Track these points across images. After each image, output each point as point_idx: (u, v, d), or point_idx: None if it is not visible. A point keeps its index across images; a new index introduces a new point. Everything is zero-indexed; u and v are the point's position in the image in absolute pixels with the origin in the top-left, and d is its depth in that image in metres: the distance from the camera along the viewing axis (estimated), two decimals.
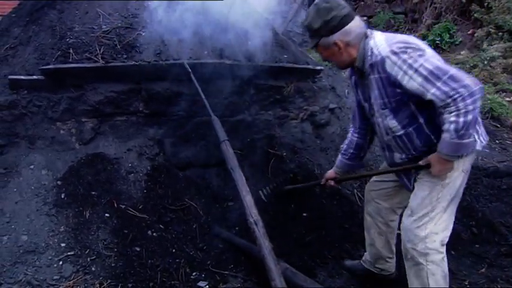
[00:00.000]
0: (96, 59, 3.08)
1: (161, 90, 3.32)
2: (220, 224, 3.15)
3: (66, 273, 2.61)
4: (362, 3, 8.74)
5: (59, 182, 3.01)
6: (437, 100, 1.84)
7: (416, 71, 1.86)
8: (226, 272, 2.81)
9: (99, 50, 3.13)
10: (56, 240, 2.75)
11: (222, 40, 3.42)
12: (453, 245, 3.29)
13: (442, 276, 2.13)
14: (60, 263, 2.65)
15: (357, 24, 2.06)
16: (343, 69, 2.37)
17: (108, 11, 3.40)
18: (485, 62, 5.86)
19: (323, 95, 3.96)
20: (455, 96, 1.78)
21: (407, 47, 1.92)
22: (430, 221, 2.08)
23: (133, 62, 3.13)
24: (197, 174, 3.48)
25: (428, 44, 6.94)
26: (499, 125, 4.52)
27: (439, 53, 7.18)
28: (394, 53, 1.91)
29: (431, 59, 1.90)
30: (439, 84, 1.81)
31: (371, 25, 8.41)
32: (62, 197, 2.94)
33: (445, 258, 2.17)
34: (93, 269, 2.68)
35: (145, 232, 2.94)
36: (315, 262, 3.02)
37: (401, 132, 2.09)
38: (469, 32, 7.04)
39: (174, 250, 2.90)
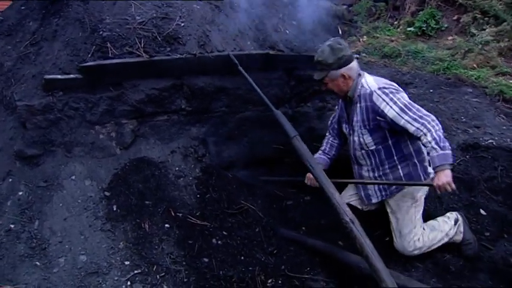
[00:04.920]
0: (138, 52, 2.76)
1: (204, 85, 3.05)
2: (283, 225, 2.95)
3: None
4: None
5: (106, 193, 2.69)
6: (409, 126, 2.35)
7: (395, 103, 2.40)
8: (305, 276, 2.62)
9: (140, 43, 2.81)
10: (118, 258, 2.45)
11: (264, 30, 3.20)
12: (502, 229, 3.29)
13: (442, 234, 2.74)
14: (129, 283, 2.37)
15: (355, 64, 2.59)
16: (341, 98, 2.76)
17: None
18: (480, 46, 5.98)
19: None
20: (424, 122, 2.32)
21: (390, 86, 2.48)
22: (415, 235, 2.69)
23: (178, 55, 2.84)
24: (245, 174, 3.26)
25: (415, 31, 6.85)
26: None
27: (426, 39, 7.28)
28: (380, 89, 2.46)
29: (406, 97, 2.45)
30: (410, 113, 2.36)
31: (352, 13, 8.42)
32: (114, 209, 2.63)
33: (428, 226, 2.75)
34: (165, 287, 2.41)
35: (210, 241, 2.69)
36: (386, 256, 2.91)
37: (373, 147, 2.60)
38: (454, 18, 7.17)
39: (243, 257, 2.68)
